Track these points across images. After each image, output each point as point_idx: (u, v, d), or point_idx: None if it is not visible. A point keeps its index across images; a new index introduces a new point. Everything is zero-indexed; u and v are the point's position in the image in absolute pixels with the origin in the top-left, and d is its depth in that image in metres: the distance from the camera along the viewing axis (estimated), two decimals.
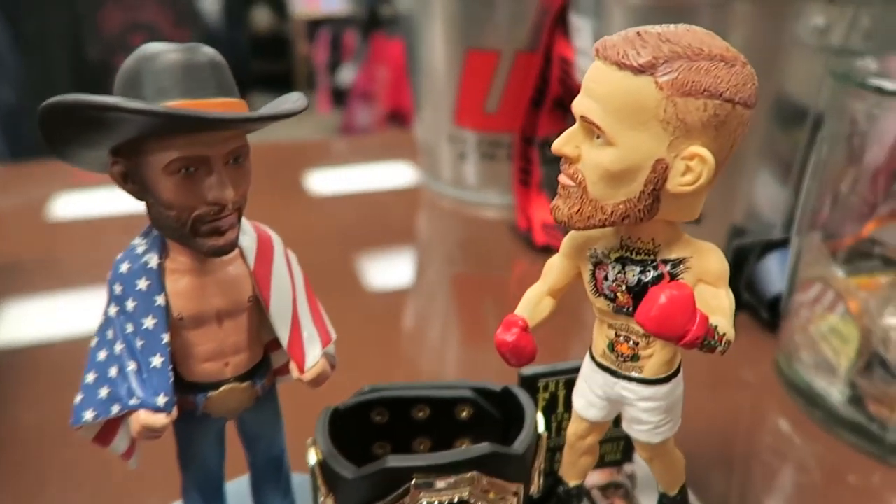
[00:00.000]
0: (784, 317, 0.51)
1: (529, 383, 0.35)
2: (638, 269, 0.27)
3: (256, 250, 0.28)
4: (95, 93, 0.21)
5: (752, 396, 0.50)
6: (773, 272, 0.56)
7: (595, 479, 0.38)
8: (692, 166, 0.24)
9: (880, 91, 0.41)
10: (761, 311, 0.56)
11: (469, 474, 0.29)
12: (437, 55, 0.79)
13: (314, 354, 0.28)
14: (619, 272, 0.28)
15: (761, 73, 0.57)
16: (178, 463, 0.30)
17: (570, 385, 0.36)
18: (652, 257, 0.27)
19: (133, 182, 0.24)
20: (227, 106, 0.24)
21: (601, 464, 0.39)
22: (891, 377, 0.42)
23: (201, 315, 0.27)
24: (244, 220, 0.27)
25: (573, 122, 0.27)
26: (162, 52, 0.23)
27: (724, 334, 0.26)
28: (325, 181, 0.95)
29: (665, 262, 0.27)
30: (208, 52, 0.24)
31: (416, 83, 0.86)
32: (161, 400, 0.25)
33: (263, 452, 0.31)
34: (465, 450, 0.30)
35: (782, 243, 0.56)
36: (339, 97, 3.44)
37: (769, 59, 0.51)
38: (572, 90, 0.70)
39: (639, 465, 0.39)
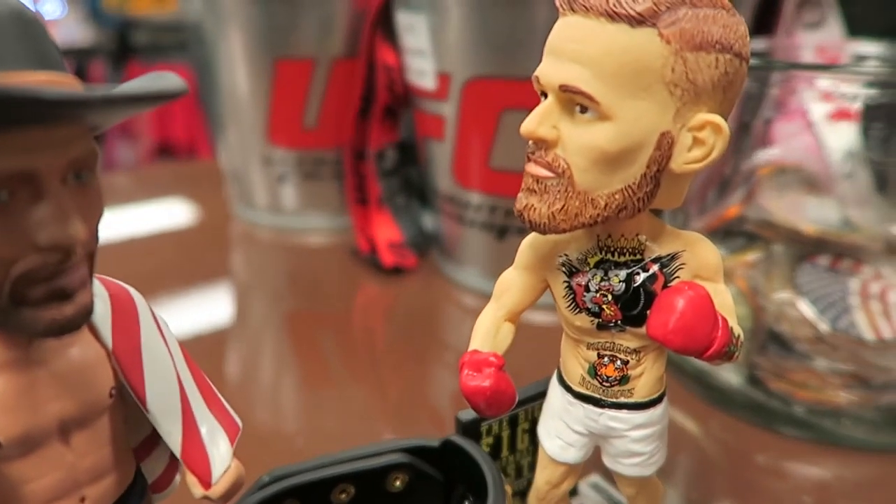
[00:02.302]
0: None
1: (471, 430, 0.29)
2: (623, 272, 0.22)
3: (113, 317, 0.18)
4: None
5: None
6: None
7: None
8: (703, 137, 0.20)
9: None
10: None
11: None
12: (238, 69, 0.70)
13: (221, 456, 0.19)
14: (601, 279, 0.23)
15: None
16: None
17: (512, 423, 0.30)
18: (639, 256, 0.23)
19: None
20: (54, 83, 0.14)
21: None
22: (787, 352, 0.42)
23: (33, 433, 0.16)
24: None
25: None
26: None
27: (739, 336, 0.22)
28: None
29: (655, 260, 0.23)
30: (10, 2, 0.15)
31: (212, 104, 0.75)
32: None
33: None
34: None
35: None
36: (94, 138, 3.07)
37: None
38: (401, 96, 0.64)
39: (585, 496, 0.34)
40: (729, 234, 0.48)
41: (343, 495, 0.28)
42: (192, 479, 0.19)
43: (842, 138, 0.49)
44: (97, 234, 0.16)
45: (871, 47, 0.53)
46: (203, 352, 0.52)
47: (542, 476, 0.27)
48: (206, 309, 0.60)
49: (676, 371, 0.48)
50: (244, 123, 0.72)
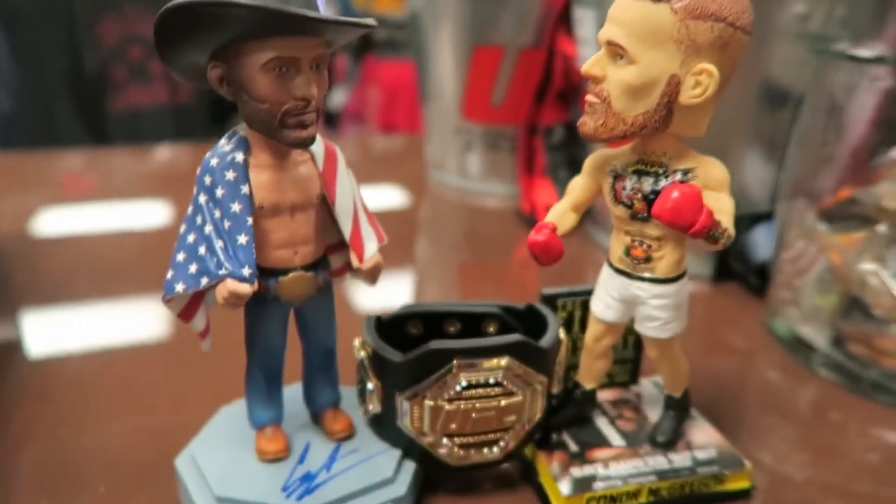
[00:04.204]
0: (772, 278, 0.55)
1: (549, 302, 0.40)
2: (652, 179, 0.32)
3: (324, 156, 0.32)
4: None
5: (744, 355, 0.54)
6: (761, 241, 0.61)
7: (606, 395, 0.42)
8: (701, 80, 0.29)
9: (857, 59, 0.47)
10: (750, 277, 0.61)
11: (503, 359, 0.33)
12: (445, 53, 0.85)
13: (371, 248, 0.33)
14: (635, 182, 0.32)
15: (750, 59, 0.62)
16: (245, 346, 0.34)
17: (585, 306, 0.40)
18: (664, 169, 0.32)
19: (229, 84, 0.29)
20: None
21: (611, 384, 0.43)
22: (868, 317, 0.47)
23: (278, 206, 0.31)
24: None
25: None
26: None
27: (727, 229, 0.31)
28: None
29: (675, 171, 0.32)
30: None
31: (423, 81, 0.91)
32: (246, 271, 0.29)
33: (318, 343, 0.35)
34: (500, 337, 0.34)
35: (768, 215, 0.61)
36: (330, 119, 3.50)
37: (756, 46, 0.57)
38: (574, 83, 0.75)
39: (644, 387, 0.43)
40: (842, 215, 0.52)
41: (452, 328, 0.40)
42: (353, 256, 0.33)
43: None
44: (324, 100, 0.30)
45: None
46: (391, 285, 0.65)
47: (589, 332, 0.37)
48: (398, 255, 0.74)
49: (772, 334, 0.54)
50: (444, 99, 0.87)
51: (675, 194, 0.29)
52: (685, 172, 0.32)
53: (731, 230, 0.31)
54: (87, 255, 0.67)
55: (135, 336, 0.53)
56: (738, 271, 0.62)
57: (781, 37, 0.56)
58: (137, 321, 0.55)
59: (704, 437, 0.38)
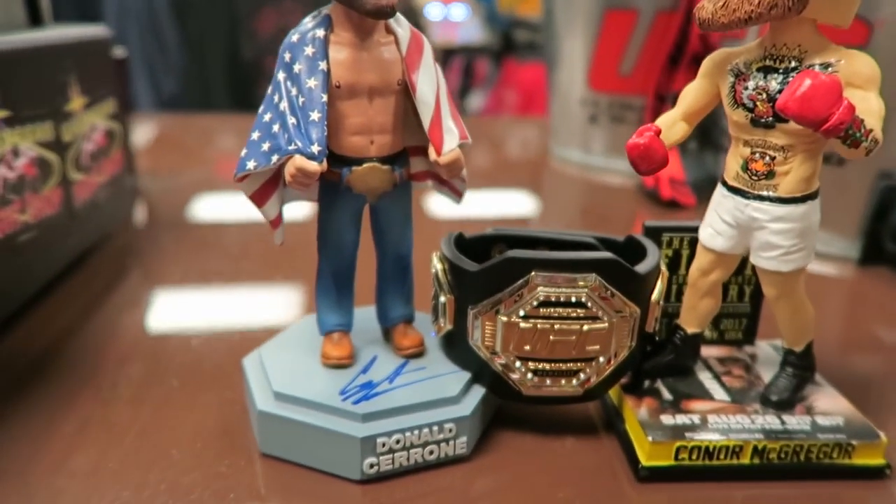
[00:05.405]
0: None
1: (653, 235, 0.35)
2: (780, 76, 0.27)
3: (409, 41, 0.30)
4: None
5: (892, 350, 0.46)
6: None
7: (713, 352, 0.37)
8: None
9: None
10: None
11: (589, 277, 0.29)
12: (575, 17, 0.81)
13: (451, 143, 0.30)
14: (760, 81, 0.28)
15: None
16: (317, 245, 0.32)
17: (693, 244, 0.35)
18: (797, 64, 0.27)
19: None
20: None
21: (720, 341, 0.38)
22: None
23: (355, 87, 0.29)
24: (402, 17, 0.30)
25: None
26: None
27: (871, 130, 0.25)
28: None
29: (811, 66, 0.27)
30: None
31: (551, 48, 0.88)
32: (315, 148, 0.28)
33: (392, 249, 0.33)
34: (588, 252, 0.30)
35: None
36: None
37: None
38: (712, 46, 0.69)
39: (761, 348, 0.38)
40: None
41: None
42: (431, 149, 0.30)
43: None
44: None
45: None
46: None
47: (695, 264, 0.33)
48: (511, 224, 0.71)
49: None
50: (572, 67, 0.83)
51: (808, 81, 0.25)
52: (824, 66, 0.27)
53: (878, 133, 0.25)
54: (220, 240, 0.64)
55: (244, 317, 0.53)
56: (893, 253, 0.54)
57: None
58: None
59: (830, 404, 0.32)
